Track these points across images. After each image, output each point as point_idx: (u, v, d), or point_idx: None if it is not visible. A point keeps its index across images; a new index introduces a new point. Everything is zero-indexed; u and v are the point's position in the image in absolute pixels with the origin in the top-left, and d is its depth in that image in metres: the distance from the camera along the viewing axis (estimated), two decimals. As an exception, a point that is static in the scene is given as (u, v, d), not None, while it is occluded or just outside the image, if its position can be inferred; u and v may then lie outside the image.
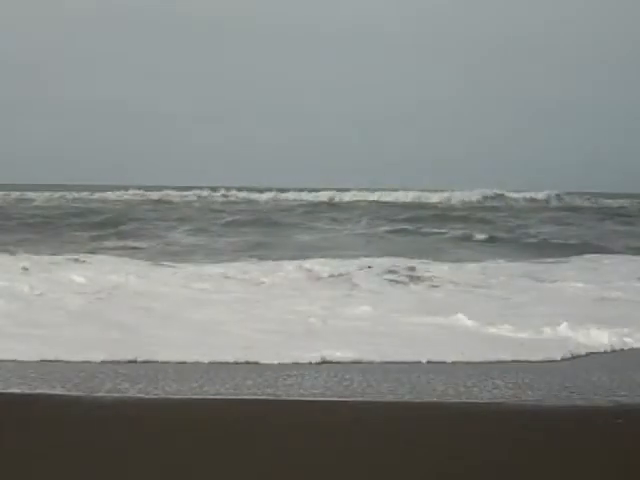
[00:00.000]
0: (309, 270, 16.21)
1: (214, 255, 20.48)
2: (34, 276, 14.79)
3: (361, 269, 16.54)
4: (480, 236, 27.54)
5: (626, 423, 6.70)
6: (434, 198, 54.64)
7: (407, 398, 7.41)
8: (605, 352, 9.65)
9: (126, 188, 60.11)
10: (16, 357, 8.73)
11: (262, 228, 30.75)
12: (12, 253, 18.69)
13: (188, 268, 16.76)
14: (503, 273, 16.63)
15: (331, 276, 15.76)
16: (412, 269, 16.62)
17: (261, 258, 19.24)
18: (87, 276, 14.82)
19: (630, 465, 5.62)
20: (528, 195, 55.58)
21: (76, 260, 17.65)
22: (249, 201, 54.86)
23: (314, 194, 57.39)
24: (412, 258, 18.48)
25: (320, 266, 16.63)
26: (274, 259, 18.65)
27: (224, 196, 58.69)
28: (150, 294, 13.31)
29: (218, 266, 17.05)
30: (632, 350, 9.78)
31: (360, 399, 7.36)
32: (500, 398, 7.41)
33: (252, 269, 16.43)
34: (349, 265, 17.11)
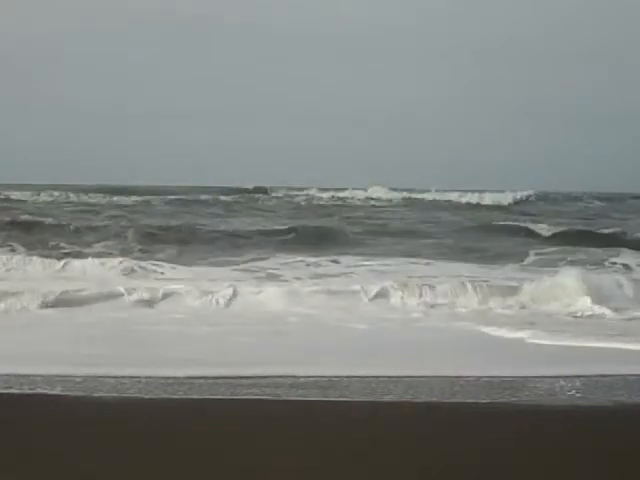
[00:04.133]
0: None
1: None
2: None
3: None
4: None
5: (626, 423, 6.70)
6: (474, 199, 48.42)
7: (407, 398, 7.41)
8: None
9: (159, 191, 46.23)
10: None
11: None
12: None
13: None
14: None
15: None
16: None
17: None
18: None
19: (630, 465, 5.62)
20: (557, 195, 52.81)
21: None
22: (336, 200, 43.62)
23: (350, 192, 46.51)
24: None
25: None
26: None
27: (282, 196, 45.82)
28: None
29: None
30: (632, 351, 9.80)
31: (360, 399, 7.36)
32: (500, 398, 7.41)
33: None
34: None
